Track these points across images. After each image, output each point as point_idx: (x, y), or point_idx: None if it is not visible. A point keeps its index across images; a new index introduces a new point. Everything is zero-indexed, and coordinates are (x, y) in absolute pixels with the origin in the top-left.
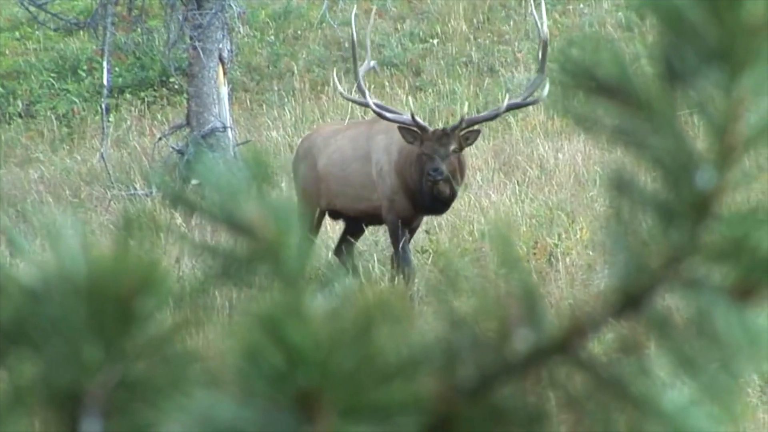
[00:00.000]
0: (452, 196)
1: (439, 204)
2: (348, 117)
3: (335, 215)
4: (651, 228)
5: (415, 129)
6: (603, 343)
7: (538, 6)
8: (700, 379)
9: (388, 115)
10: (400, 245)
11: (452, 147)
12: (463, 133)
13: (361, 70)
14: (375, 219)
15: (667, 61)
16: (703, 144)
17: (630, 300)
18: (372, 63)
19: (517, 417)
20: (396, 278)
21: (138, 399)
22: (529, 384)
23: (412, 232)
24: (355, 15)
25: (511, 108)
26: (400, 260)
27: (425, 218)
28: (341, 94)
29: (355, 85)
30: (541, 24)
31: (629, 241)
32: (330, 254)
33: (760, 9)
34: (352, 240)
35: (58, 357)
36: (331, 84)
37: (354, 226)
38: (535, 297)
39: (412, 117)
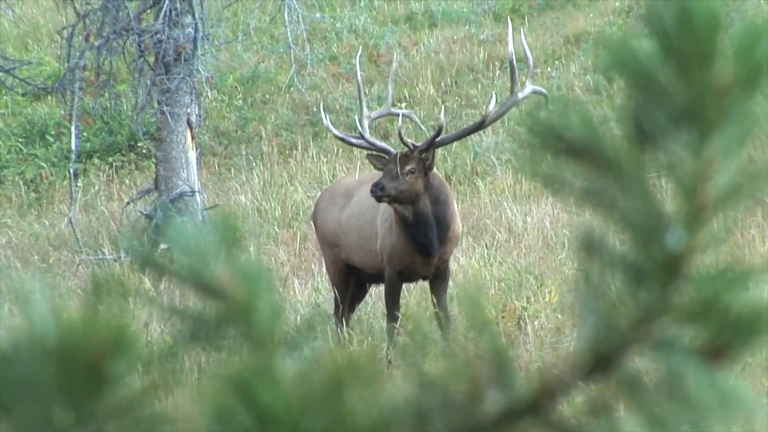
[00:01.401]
0: (422, 219)
1: (419, 231)
2: (318, 181)
3: (353, 273)
4: (620, 289)
5: (383, 155)
6: (573, 404)
7: (514, 31)
8: None
9: (353, 141)
10: (433, 303)
11: (408, 167)
12: (423, 154)
13: (374, 114)
14: (382, 277)
15: (636, 121)
16: (673, 205)
17: (600, 361)
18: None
19: None
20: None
21: None
22: None
23: (437, 278)
24: (360, 56)
25: (494, 120)
26: (394, 313)
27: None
28: (329, 129)
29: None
30: (508, 42)
31: (598, 302)
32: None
33: (728, 69)
34: (353, 305)
35: (28, 420)
36: (299, 147)
37: (359, 290)
38: (504, 359)
39: (364, 138)
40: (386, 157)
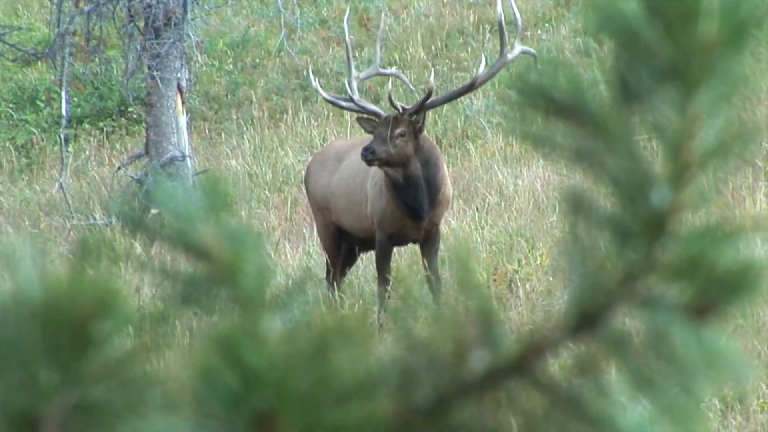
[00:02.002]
0: (412, 182)
1: (409, 194)
2: (308, 145)
3: (343, 237)
4: (607, 248)
5: (373, 118)
6: (561, 364)
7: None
8: (658, 399)
9: (343, 103)
10: (425, 266)
11: (398, 130)
12: (413, 117)
13: (363, 75)
14: (372, 242)
15: (623, 81)
16: (659, 163)
17: (586, 320)
18: (393, 70)
19: None
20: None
21: (94, 423)
22: (486, 405)
23: (426, 247)
24: (349, 19)
25: (483, 82)
26: (385, 276)
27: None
28: (318, 92)
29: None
30: (497, 4)
31: (585, 261)
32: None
33: (713, 27)
34: (343, 270)
35: (14, 381)
36: (290, 112)
37: (350, 254)
38: (492, 318)
39: (354, 101)
40: (376, 120)
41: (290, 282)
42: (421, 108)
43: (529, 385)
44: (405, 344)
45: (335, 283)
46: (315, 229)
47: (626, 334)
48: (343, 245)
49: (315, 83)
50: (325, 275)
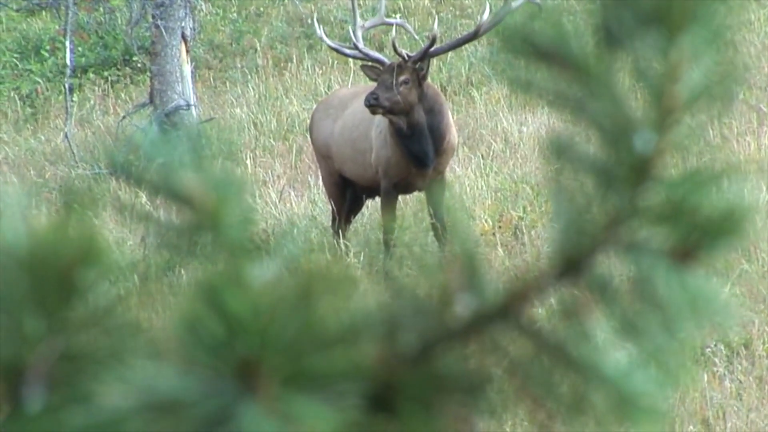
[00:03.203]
0: (417, 129)
1: (414, 142)
2: (313, 93)
3: (347, 185)
4: (590, 192)
5: (377, 65)
6: (545, 309)
7: None
8: (642, 343)
9: (347, 51)
10: (430, 213)
11: (402, 78)
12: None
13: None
14: (377, 190)
15: (605, 24)
16: (642, 107)
17: (570, 264)
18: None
19: (459, 383)
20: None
21: (80, 370)
22: (471, 350)
23: (432, 195)
24: None
25: (488, 30)
26: (390, 225)
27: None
28: (323, 40)
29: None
30: None
31: (570, 205)
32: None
33: None
34: (348, 218)
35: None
36: (294, 60)
37: (355, 202)
38: (475, 263)
39: (358, 49)
40: (380, 67)
41: (284, 228)
42: (425, 55)
43: (515, 331)
44: (389, 288)
45: (341, 231)
46: (320, 178)
47: (611, 279)
48: (348, 193)
49: (319, 31)
50: (330, 223)
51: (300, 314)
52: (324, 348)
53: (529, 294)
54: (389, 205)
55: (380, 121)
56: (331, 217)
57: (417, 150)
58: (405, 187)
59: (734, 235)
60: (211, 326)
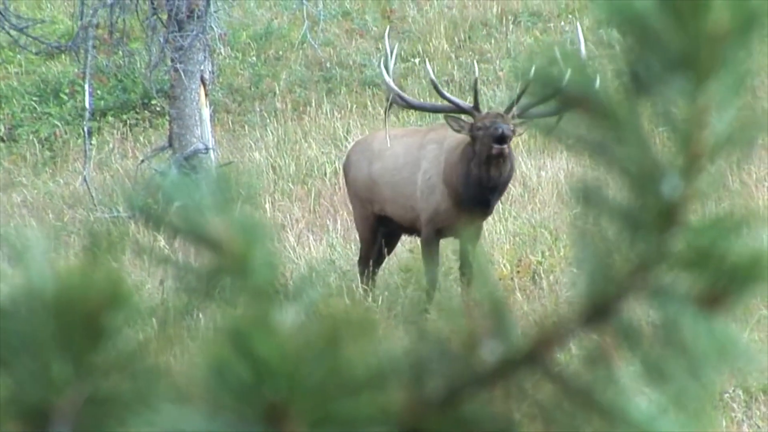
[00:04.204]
0: (505, 181)
1: (484, 191)
2: (332, 137)
3: (385, 224)
4: (617, 237)
5: (463, 115)
6: (572, 355)
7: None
8: (669, 388)
9: (411, 101)
10: (461, 259)
11: (513, 123)
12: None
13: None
14: (417, 230)
15: (633, 70)
16: (669, 153)
17: (597, 310)
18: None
19: (485, 428)
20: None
21: (107, 414)
22: (497, 395)
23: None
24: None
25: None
26: (432, 285)
27: (409, 238)
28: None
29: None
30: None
31: (596, 251)
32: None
33: (724, 16)
34: (385, 254)
35: (27, 373)
36: (313, 104)
37: (392, 239)
38: (502, 309)
39: (447, 99)
40: (464, 119)
41: (310, 271)
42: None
43: (541, 376)
44: (416, 333)
45: (367, 271)
46: (338, 222)
47: (637, 325)
48: (380, 233)
49: (393, 88)
50: (358, 265)
51: (327, 359)
52: (351, 392)
53: (555, 339)
54: (431, 252)
55: (429, 167)
56: (358, 256)
57: (481, 198)
58: (446, 232)
59: (761, 281)
60: (239, 370)
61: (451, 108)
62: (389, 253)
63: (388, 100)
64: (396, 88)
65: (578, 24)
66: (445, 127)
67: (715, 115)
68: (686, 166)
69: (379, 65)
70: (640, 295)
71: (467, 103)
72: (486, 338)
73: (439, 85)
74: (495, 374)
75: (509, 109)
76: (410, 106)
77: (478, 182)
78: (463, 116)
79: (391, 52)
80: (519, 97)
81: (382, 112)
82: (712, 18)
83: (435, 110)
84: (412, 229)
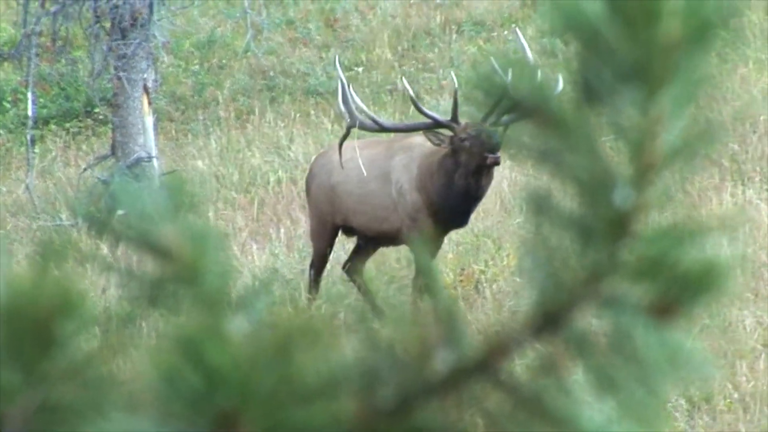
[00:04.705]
0: (484, 192)
1: (469, 202)
2: (275, 146)
3: (350, 232)
4: (569, 247)
5: (441, 129)
6: (524, 363)
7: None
8: (620, 398)
9: (385, 123)
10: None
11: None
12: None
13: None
14: (393, 240)
15: (585, 80)
16: (621, 163)
17: (548, 319)
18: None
19: None
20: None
21: (58, 423)
22: (448, 404)
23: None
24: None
25: None
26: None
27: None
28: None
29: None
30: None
31: (549, 261)
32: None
33: (676, 26)
34: (363, 260)
35: None
36: (256, 112)
37: (365, 247)
38: (454, 318)
39: (426, 114)
40: (444, 134)
41: (255, 282)
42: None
43: (493, 385)
44: (367, 342)
45: (318, 279)
46: (281, 230)
47: (589, 334)
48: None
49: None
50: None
51: (278, 367)
52: (302, 401)
53: (507, 349)
54: (425, 254)
55: (399, 176)
56: (310, 262)
57: (464, 208)
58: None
59: (713, 291)
60: (190, 378)
61: (428, 124)
62: (363, 265)
63: (347, 128)
64: (367, 109)
65: (518, 32)
66: (410, 136)
67: (667, 125)
68: (638, 176)
69: (338, 97)
70: (591, 305)
71: (443, 117)
72: (438, 347)
73: (418, 102)
74: (446, 383)
75: (486, 118)
76: (384, 129)
77: (465, 193)
78: (441, 130)
79: (348, 84)
80: (494, 107)
81: (325, 120)
82: (664, 27)
83: (412, 129)
84: (387, 240)
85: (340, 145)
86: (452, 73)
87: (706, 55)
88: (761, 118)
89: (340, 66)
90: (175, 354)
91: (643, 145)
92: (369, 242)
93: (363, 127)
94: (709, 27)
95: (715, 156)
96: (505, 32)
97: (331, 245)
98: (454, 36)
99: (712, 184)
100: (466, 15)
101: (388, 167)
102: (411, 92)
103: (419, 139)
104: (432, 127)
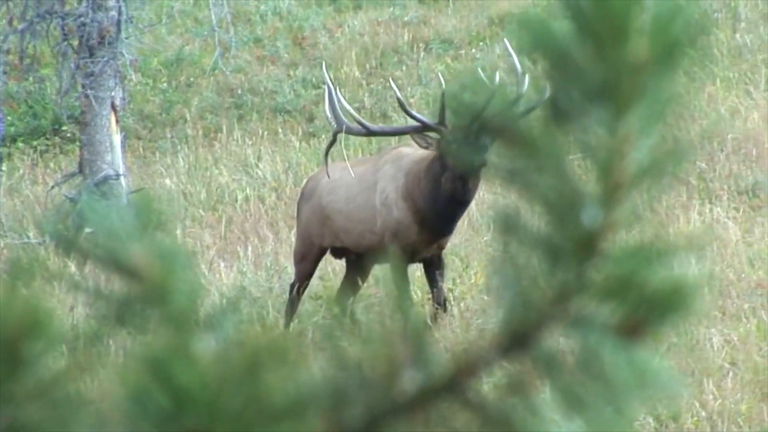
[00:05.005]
0: (471, 197)
1: (455, 207)
2: (243, 164)
3: (340, 253)
4: (537, 266)
5: (428, 131)
6: (492, 383)
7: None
8: (588, 416)
9: (372, 127)
10: (432, 291)
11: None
12: None
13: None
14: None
15: (554, 100)
16: (590, 183)
17: (517, 339)
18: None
19: None
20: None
21: None
22: (417, 424)
23: (431, 265)
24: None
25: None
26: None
27: (324, 263)
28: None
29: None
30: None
31: (517, 281)
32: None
33: (644, 47)
34: (359, 283)
35: None
36: (224, 130)
37: (357, 269)
38: (423, 338)
39: (414, 117)
40: (430, 136)
41: (223, 301)
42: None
43: (461, 404)
44: (334, 362)
45: (298, 298)
46: (249, 248)
47: (558, 354)
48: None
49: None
50: (290, 294)
51: (247, 387)
52: (271, 420)
53: (475, 368)
54: (400, 273)
55: (385, 185)
56: (293, 282)
57: (450, 213)
58: (410, 254)
59: (682, 310)
60: (159, 398)
61: (415, 128)
62: (363, 282)
63: (333, 134)
64: (354, 113)
65: (507, 42)
66: (397, 149)
67: (636, 144)
68: (606, 196)
69: (325, 102)
70: (560, 325)
71: (431, 120)
72: (405, 366)
73: (406, 105)
74: (414, 402)
75: (473, 122)
76: (371, 132)
77: (451, 196)
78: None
79: (335, 88)
80: (482, 112)
81: (293, 138)
82: (632, 47)
83: (398, 133)
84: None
85: (327, 152)
86: (440, 75)
87: (674, 74)
88: (728, 136)
89: (327, 74)
90: (144, 373)
91: (611, 164)
92: (357, 264)
93: (350, 131)
94: (677, 46)
95: (682, 174)
96: (473, 50)
97: (314, 268)
98: (422, 54)
99: (679, 202)
100: (434, 33)
101: (375, 179)
102: (399, 94)
103: (408, 150)
104: (420, 130)
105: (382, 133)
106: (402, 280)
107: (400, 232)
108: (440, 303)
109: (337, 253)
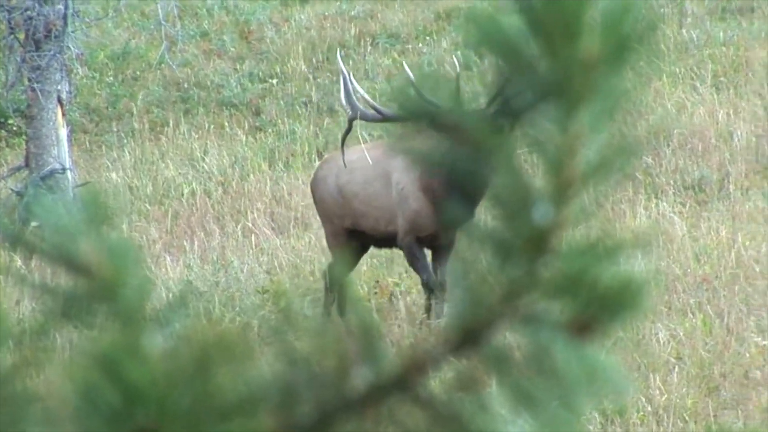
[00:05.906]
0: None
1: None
2: (189, 158)
3: (356, 237)
4: (489, 264)
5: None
6: (442, 380)
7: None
8: (540, 415)
9: (386, 112)
10: (435, 271)
11: None
12: None
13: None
14: (388, 241)
15: (504, 97)
16: (540, 180)
17: (468, 336)
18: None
19: None
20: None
21: None
22: (368, 421)
23: (444, 255)
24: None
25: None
26: (435, 285)
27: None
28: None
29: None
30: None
31: (467, 277)
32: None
33: (595, 44)
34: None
35: None
36: (171, 124)
37: (360, 253)
38: (373, 334)
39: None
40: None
41: (171, 296)
42: None
43: (411, 401)
44: (285, 359)
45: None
46: (195, 242)
47: (507, 350)
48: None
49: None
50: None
51: (197, 383)
52: (221, 417)
53: (425, 365)
54: (417, 258)
55: (400, 177)
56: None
57: (470, 196)
58: (430, 241)
59: (631, 307)
60: (108, 395)
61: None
62: (354, 266)
63: (349, 121)
64: (369, 98)
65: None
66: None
67: (586, 142)
68: (557, 193)
69: (341, 90)
70: (511, 322)
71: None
72: (356, 363)
73: (378, 105)
74: (365, 400)
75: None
76: (386, 118)
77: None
78: None
79: (350, 74)
80: (495, 96)
81: (239, 132)
82: (583, 44)
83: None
84: (388, 242)
85: (343, 140)
86: (454, 57)
87: (624, 71)
88: (674, 131)
89: (341, 62)
90: (93, 370)
91: (562, 161)
92: (377, 246)
93: (365, 118)
94: (627, 43)
95: (632, 171)
96: (420, 45)
97: (348, 247)
98: (369, 48)
99: (626, 197)
100: (381, 27)
101: (388, 168)
102: (411, 75)
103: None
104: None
105: (396, 118)
106: (423, 266)
107: (418, 224)
108: (440, 286)
109: (354, 236)
